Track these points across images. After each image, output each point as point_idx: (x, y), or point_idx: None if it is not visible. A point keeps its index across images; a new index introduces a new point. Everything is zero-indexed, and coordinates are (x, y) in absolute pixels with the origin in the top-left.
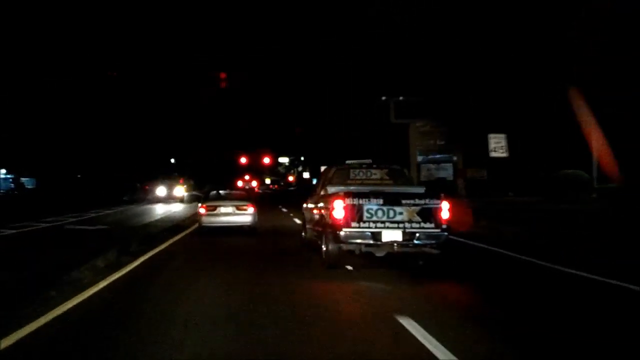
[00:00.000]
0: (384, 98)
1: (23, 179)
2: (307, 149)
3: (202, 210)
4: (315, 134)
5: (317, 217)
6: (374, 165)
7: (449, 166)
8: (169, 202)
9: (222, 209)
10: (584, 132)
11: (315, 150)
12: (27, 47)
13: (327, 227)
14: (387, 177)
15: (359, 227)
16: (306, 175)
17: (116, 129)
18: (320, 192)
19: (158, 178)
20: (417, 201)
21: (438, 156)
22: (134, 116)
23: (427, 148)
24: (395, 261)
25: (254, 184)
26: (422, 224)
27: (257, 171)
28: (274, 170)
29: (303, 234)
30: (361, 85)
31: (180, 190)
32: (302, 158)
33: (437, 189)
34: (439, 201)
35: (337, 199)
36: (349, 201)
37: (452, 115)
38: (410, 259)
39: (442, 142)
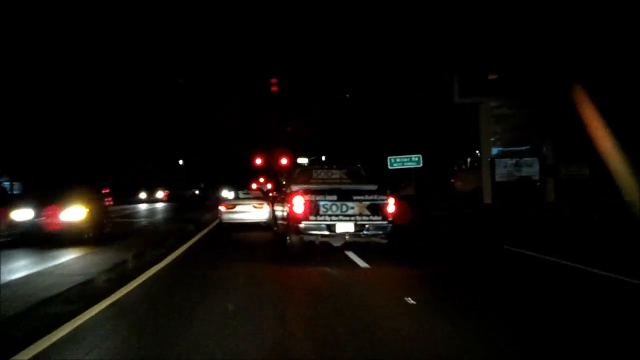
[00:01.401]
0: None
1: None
2: (329, 147)
3: (222, 208)
4: (338, 129)
5: (284, 212)
6: (334, 166)
7: (534, 161)
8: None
9: (240, 207)
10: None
11: (342, 148)
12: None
13: (290, 221)
14: (346, 177)
15: (316, 220)
16: None
17: (121, 129)
18: (287, 190)
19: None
20: (367, 197)
21: (519, 148)
22: (140, 116)
23: (504, 137)
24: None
25: (269, 186)
26: (371, 217)
27: (273, 173)
28: (292, 172)
29: (275, 228)
30: (408, 60)
31: (74, 213)
32: (323, 158)
33: (519, 191)
34: (385, 197)
35: (297, 196)
36: (307, 197)
37: (539, 92)
38: (364, 247)
39: (525, 128)
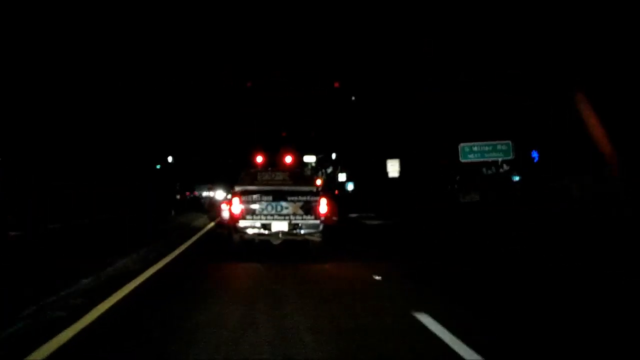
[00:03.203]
0: None
1: None
2: (341, 143)
3: (224, 206)
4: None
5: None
6: (278, 169)
7: None
8: None
9: None
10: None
11: (362, 142)
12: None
13: (231, 220)
14: (289, 178)
15: (253, 220)
16: (342, 178)
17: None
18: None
19: None
20: (300, 197)
21: None
22: (133, 113)
23: None
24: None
25: None
26: (304, 216)
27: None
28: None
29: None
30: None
31: None
32: (334, 156)
33: None
34: (317, 198)
35: (235, 197)
36: (244, 198)
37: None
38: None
39: None
